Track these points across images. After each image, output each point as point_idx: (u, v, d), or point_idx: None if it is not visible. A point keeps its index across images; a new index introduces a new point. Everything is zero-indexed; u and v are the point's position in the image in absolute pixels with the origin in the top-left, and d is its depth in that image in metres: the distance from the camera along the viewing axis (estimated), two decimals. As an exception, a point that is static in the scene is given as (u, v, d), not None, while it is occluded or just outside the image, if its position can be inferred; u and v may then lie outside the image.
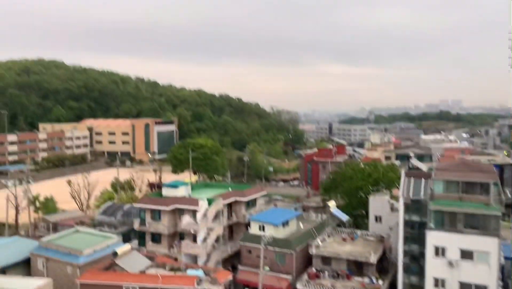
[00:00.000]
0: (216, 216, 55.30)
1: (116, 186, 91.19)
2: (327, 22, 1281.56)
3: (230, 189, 64.42)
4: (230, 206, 60.03)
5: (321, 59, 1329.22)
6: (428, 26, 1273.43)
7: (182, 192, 58.52)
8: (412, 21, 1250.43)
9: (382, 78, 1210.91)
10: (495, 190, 42.80)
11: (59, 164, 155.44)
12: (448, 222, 42.33)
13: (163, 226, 54.80)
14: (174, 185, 59.89)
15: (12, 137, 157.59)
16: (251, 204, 61.95)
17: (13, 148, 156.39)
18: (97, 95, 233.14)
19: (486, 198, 42.19)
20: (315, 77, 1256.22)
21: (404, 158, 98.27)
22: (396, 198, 54.10)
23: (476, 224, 41.37)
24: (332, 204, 62.80)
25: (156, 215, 55.36)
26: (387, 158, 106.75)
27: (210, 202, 55.33)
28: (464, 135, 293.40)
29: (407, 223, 45.92)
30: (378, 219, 56.74)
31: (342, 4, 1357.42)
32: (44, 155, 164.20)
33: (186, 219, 54.05)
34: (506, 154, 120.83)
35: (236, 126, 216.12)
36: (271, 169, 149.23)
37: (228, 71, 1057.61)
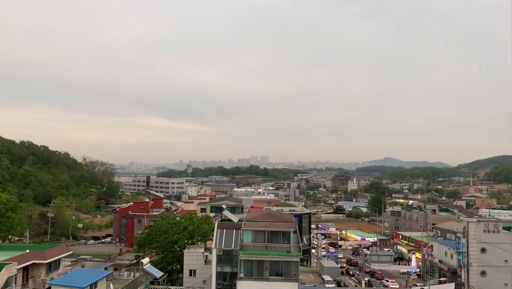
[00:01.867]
0: (7, 284, 46.90)
1: None
2: (147, 76, 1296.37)
3: (27, 251, 56.09)
4: (27, 270, 51.85)
5: (140, 111, 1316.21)
6: (240, 90, 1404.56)
7: (-39, 258, 48.21)
8: (227, 85, 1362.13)
9: (200, 134, 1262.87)
10: (295, 238, 47.71)
11: None
12: (256, 270, 44.98)
13: None
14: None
15: None
16: (53, 266, 54.84)
17: None
18: None
19: (288, 245, 46.60)
20: (133, 129, 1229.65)
21: (218, 209, 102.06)
22: (210, 250, 55.09)
23: (280, 270, 45.00)
24: (145, 260, 60.31)
25: None
26: (203, 210, 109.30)
27: (0, 267, 46.91)
28: (271, 187, 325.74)
29: (220, 275, 47.06)
30: (192, 272, 56.48)
31: (160, 61, 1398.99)
32: None
33: (-36, 291, 44.37)
34: (303, 204, 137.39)
35: (40, 178, 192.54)
36: (80, 225, 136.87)
37: (32, 116, 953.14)
